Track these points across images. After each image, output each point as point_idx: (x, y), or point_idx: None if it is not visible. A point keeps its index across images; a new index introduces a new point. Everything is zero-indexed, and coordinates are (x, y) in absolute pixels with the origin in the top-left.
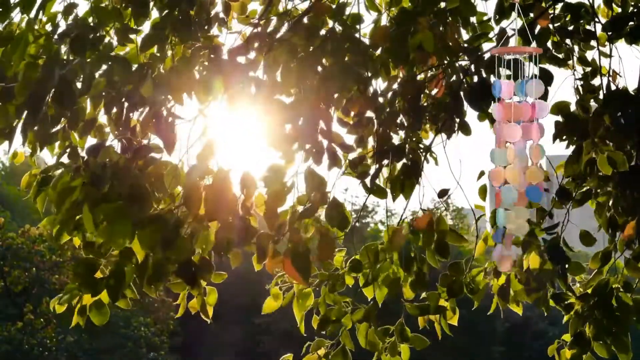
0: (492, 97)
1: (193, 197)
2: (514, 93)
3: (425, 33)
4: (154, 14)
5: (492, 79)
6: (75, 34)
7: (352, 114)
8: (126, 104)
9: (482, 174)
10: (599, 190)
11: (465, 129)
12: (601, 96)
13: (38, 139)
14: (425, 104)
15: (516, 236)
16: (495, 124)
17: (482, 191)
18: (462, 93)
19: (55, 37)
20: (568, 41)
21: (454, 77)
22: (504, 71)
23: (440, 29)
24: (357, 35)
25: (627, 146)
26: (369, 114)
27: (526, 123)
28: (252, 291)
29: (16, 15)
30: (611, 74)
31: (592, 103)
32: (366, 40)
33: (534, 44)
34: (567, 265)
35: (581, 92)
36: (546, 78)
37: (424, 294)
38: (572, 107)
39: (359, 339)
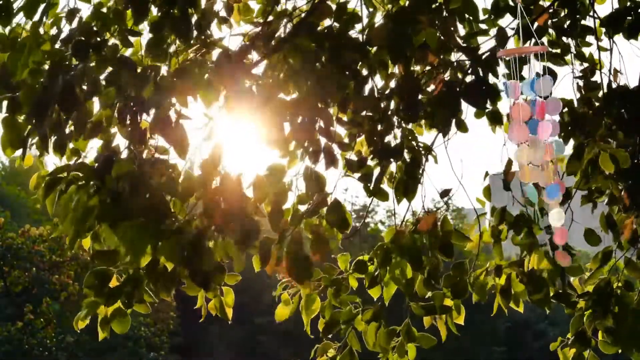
0: (491, 95)
1: (213, 209)
2: (521, 92)
3: (429, 31)
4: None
5: (492, 79)
6: (77, 39)
7: (349, 111)
8: (136, 110)
9: (487, 175)
10: (603, 190)
11: (462, 127)
12: (601, 94)
13: (54, 145)
14: (422, 101)
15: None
16: (510, 125)
17: (487, 191)
18: (459, 90)
19: (59, 42)
20: (565, 38)
21: (452, 74)
22: (502, 70)
23: (440, 26)
24: (354, 33)
25: (629, 144)
26: (367, 112)
27: (540, 121)
28: (252, 291)
29: (20, 19)
30: (612, 72)
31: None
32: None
33: (531, 42)
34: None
35: (582, 90)
36: (550, 76)
37: (429, 294)
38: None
39: (367, 341)
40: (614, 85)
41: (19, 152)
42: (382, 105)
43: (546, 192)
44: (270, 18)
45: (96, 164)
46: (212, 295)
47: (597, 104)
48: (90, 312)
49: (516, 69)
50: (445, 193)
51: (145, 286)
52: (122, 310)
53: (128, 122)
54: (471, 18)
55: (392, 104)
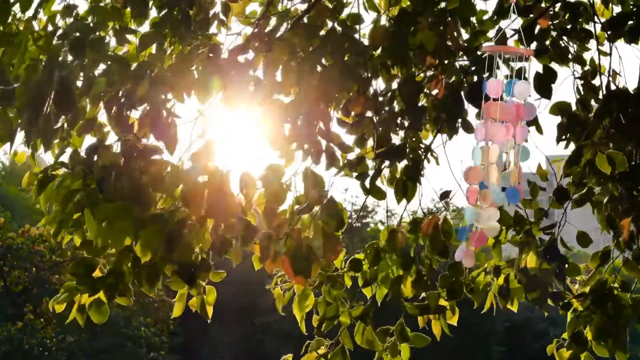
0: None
1: (193, 198)
2: (504, 92)
3: (425, 32)
4: (153, 12)
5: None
6: (75, 36)
7: (352, 114)
8: (125, 103)
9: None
10: (597, 190)
11: (468, 128)
12: (601, 96)
13: (40, 140)
14: (425, 104)
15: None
16: (479, 122)
17: None
18: (462, 92)
19: (56, 38)
20: (566, 40)
21: (454, 77)
22: (500, 70)
23: (440, 28)
24: (356, 35)
25: (627, 147)
26: (369, 114)
27: (511, 124)
28: (252, 291)
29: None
30: (611, 73)
31: (592, 103)
32: (365, 41)
33: (534, 44)
34: (566, 265)
35: (582, 92)
36: (550, 76)
37: (423, 294)
38: (573, 107)
39: (356, 338)
40: (612, 87)
41: (7, 146)
42: (384, 107)
43: (507, 194)
44: (268, 18)
45: (84, 155)
46: (195, 292)
47: (594, 106)
48: (69, 296)
49: (523, 69)
50: (444, 195)
51: (128, 280)
52: (100, 300)
53: (114, 113)
54: (474, 20)
55: (395, 106)
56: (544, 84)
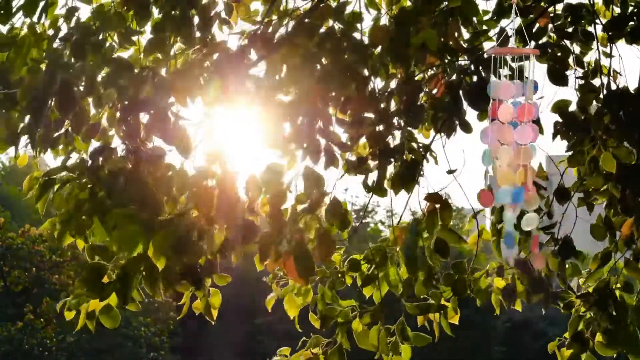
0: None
1: (204, 200)
2: (511, 94)
3: (428, 32)
4: (155, 14)
5: (492, 78)
6: (77, 37)
7: (350, 112)
8: (131, 108)
9: (487, 173)
10: (600, 190)
11: (466, 128)
12: (601, 95)
13: (41, 142)
14: (424, 104)
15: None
16: (488, 125)
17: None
18: (461, 92)
19: (57, 40)
20: (567, 42)
21: (453, 77)
22: (502, 71)
23: (442, 28)
24: (356, 34)
25: (626, 145)
26: (367, 113)
27: (520, 124)
28: (252, 292)
29: (18, 20)
30: (612, 73)
31: (594, 103)
32: (365, 39)
33: (532, 44)
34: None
35: (580, 92)
36: (562, 65)
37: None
38: (573, 107)
39: (364, 343)
40: (613, 87)
41: (11, 149)
42: (383, 107)
43: (511, 194)
44: (273, 17)
45: (89, 160)
46: (200, 294)
47: (593, 106)
48: (79, 302)
49: (522, 68)
50: (450, 172)
51: (136, 285)
52: (109, 306)
53: (127, 120)
54: (475, 20)
55: (393, 106)
56: (557, 73)
